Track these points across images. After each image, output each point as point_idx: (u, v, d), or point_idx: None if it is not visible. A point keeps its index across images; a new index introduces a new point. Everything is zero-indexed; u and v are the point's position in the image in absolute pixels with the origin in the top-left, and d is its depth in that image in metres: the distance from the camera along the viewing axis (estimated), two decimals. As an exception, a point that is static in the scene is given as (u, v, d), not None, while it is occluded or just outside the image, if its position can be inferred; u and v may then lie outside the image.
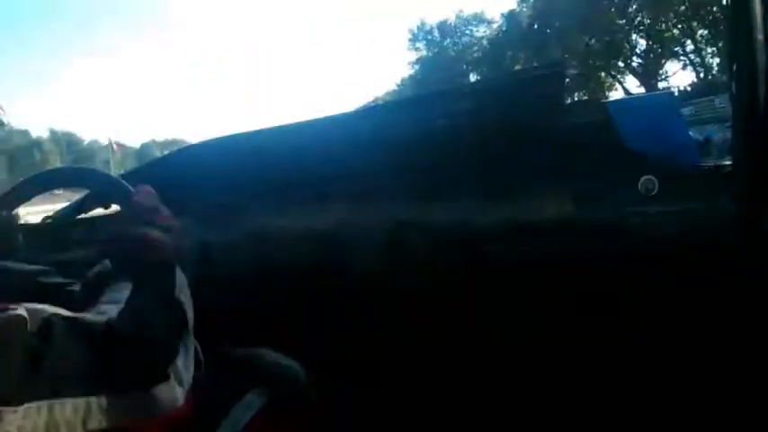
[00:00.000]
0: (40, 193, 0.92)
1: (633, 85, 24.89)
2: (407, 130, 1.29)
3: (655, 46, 24.19)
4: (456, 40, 32.57)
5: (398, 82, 37.05)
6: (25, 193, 0.93)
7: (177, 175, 1.31)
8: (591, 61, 24.96)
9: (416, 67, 33.65)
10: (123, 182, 0.91)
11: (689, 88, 20.69)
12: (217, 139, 1.46)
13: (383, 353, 1.19)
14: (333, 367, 1.08)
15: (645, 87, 22.98)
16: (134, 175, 1.45)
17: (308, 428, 0.88)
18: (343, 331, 1.19)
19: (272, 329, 1.05)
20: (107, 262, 0.81)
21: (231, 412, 0.80)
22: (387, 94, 36.51)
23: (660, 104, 1.58)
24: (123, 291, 0.69)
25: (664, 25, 23.65)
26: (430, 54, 32.91)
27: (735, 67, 0.99)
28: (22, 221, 1.15)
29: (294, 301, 1.21)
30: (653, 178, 1.08)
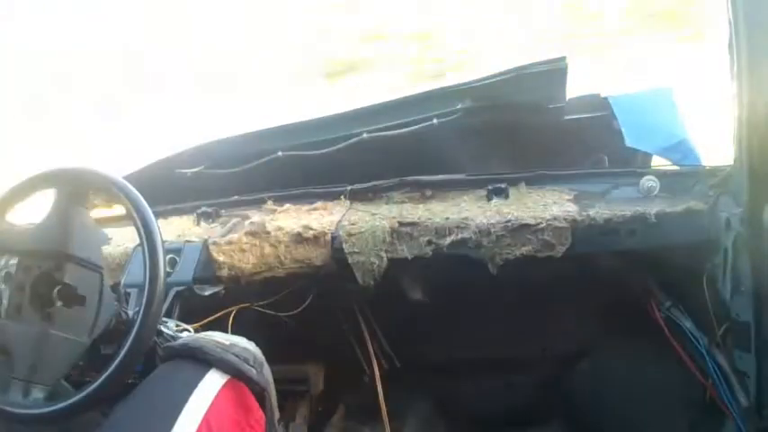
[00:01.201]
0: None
1: None
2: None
3: None
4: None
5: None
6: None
7: None
8: None
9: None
10: (126, 183, 0.91)
11: None
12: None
13: None
14: None
15: None
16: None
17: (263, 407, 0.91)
18: None
19: None
20: None
21: (190, 400, 0.82)
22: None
23: (660, 100, 1.57)
24: None
25: None
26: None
27: (735, 66, 0.98)
28: None
29: None
30: (654, 178, 1.07)
